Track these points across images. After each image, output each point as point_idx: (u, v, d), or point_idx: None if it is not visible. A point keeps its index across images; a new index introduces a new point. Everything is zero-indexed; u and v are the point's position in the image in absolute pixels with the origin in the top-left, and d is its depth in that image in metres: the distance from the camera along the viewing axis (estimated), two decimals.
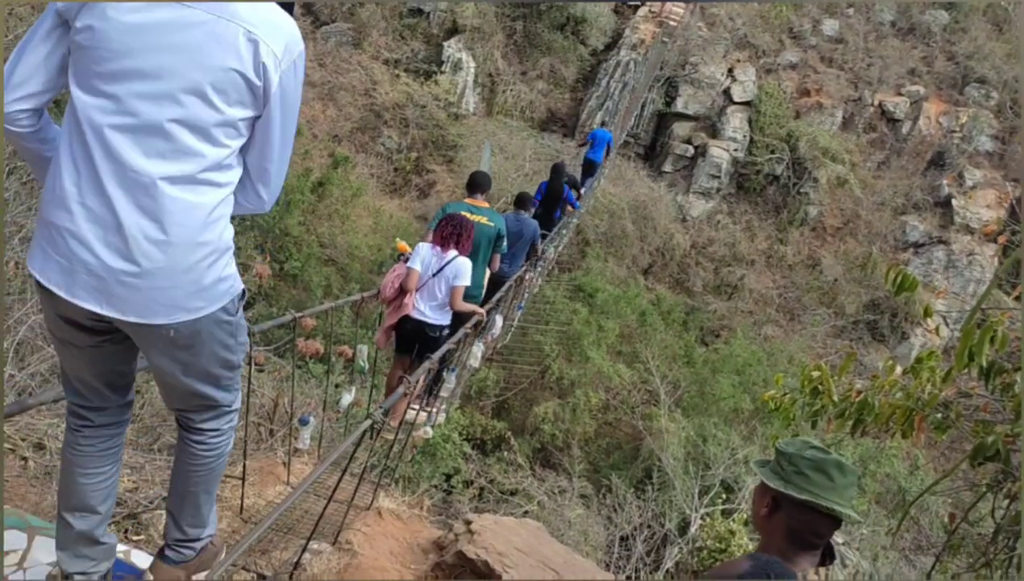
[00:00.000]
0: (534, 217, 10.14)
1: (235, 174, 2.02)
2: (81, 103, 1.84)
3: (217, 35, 1.84)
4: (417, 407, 6.53)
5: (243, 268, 12.01)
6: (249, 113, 1.94)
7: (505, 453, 12.63)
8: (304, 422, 5.79)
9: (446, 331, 6.01)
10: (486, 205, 6.82)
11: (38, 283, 1.93)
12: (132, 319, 1.92)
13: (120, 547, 2.59)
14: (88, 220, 1.85)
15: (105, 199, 1.84)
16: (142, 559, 2.81)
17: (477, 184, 6.85)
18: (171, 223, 1.88)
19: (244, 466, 4.29)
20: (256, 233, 14.84)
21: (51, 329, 2.09)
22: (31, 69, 1.88)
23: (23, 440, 4.40)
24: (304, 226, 15.94)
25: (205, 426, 2.27)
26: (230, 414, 2.33)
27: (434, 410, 7.02)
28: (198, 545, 2.43)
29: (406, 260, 5.87)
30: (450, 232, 5.81)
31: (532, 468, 12.56)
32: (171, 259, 1.90)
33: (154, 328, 1.96)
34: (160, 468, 4.70)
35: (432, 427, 7.15)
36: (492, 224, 6.62)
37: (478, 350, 8.31)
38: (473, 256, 6.34)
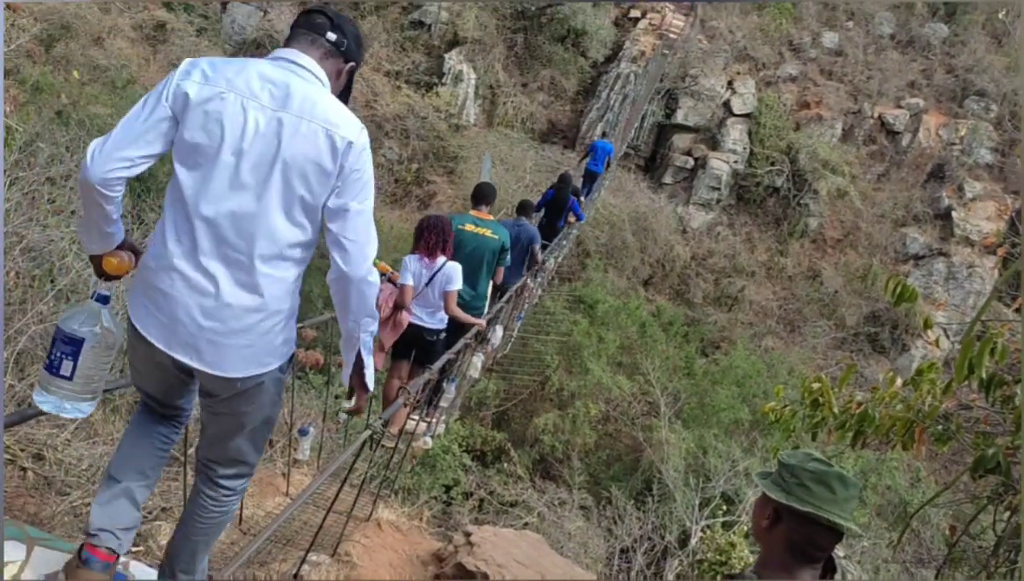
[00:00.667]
0: (538, 226, 10.20)
1: (312, 251, 2.37)
2: (189, 189, 2.19)
3: (303, 134, 2.20)
4: (416, 418, 6.53)
5: None
6: (327, 197, 2.28)
7: (505, 464, 12.61)
8: (304, 433, 5.78)
9: (443, 335, 6.04)
10: (491, 217, 6.84)
11: (136, 332, 2.29)
12: (215, 372, 2.27)
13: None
14: (188, 287, 2.20)
15: (205, 271, 2.20)
16: (140, 570, 2.80)
17: (483, 196, 6.86)
18: (262, 295, 2.25)
19: None
20: None
21: (134, 362, 2.46)
22: (137, 147, 2.16)
23: (22, 451, 4.39)
24: None
25: (224, 483, 2.52)
26: (247, 477, 2.59)
27: (434, 420, 7.02)
28: None
29: (388, 279, 5.85)
30: (435, 240, 5.78)
31: (532, 480, 12.53)
32: (258, 324, 2.27)
33: (228, 379, 2.29)
34: (158, 479, 4.68)
35: (432, 437, 7.15)
36: (496, 237, 6.63)
37: (478, 360, 8.32)
38: (477, 268, 6.43)
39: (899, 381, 3.47)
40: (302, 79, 2.28)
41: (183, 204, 2.18)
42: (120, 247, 2.38)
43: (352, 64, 2.49)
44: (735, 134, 22.04)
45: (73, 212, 7.03)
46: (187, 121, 2.16)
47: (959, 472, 3.22)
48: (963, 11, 25.46)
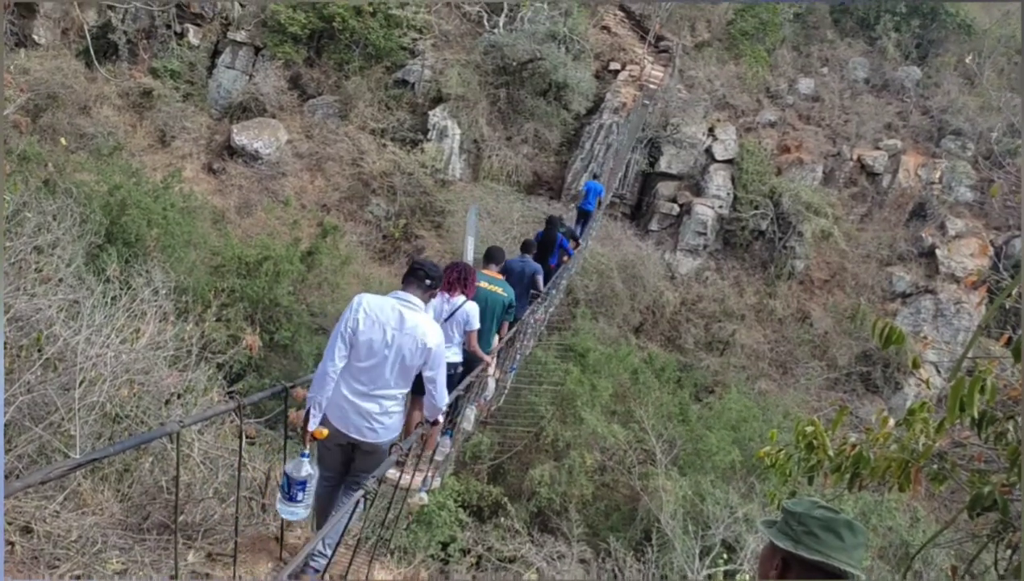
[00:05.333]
0: None
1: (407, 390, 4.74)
2: (356, 367, 4.45)
3: (409, 337, 4.42)
4: (411, 472, 6.47)
5: (233, 340, 11.95)
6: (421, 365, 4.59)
7: (502, 519, 12.43)
8: None
9: (459, 369, 6.57)
10: (501, 277, 7.56)
11: (332, 425, 4.52)
12: (362, 439, 4.54)
13: None
14: (353, 408, 4.49)
15: (361, 405, 4.49)
16: None
17: (493, 257, 7.68)
18: (388, 415, 4.58)
19: (236, 543, 4.21)
20: (246, 304, 14.82)
21: (327, 444, 4.63)
22: (339, 357, 4.38)
23: (9, 524, 4.31)
24: (294, 296, 15.95)
25: (355, 488, 4.62)
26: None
27: (429, 475, 6.96)
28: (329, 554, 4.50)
29: None
30: (456, 277, 6.35)
31: (530, 533, 12.35)
32: (387, 424, 4.57)
33: (366, 442, 4.56)
34: (150, 549, 4.59)
35: (427, 493, 7.08)
36: (505, 294, 7.38)
37: (471, 413, 8.28)
38: (487, 320, 7.07)
39: (892, 421, 3.47)
40: (409, 309, 4.47)
41: (349, 370, 4.45)
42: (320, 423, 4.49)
43: (437, 289, 4.77)
44: (718, 180, 22.32)
45: (61, 280, 7.02)
46: (357, 339, 4.38)
47: (957, 511, 3.21)
48: (934, 54, 26.09)
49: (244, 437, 4.63)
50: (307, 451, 4.24)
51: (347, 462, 4.79)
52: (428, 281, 4.58)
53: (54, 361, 5.63)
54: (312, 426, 4.43)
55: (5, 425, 5.05)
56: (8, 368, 5.32)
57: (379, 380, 4.41)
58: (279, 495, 4.19)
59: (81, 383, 5.49)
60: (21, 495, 4.45)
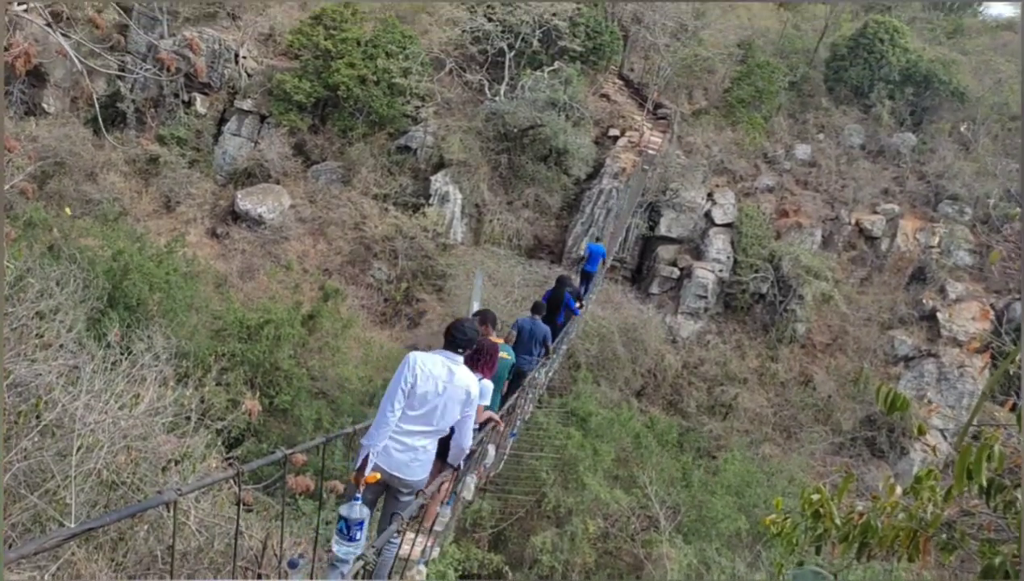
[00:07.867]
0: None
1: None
2: (408, 414, 5.17)
3: (458, 388, 5.26)
4: (411, 541, 6.36)
5: (232, 404, 11.88)
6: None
7: None
8: (293, 565, 5.58)
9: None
10: (501, 340, 7.76)
11: (379, 465, 5.15)
12: (400, 476, 5.22)
13: None
14: (400, 445, 5.19)
15: (407, 441, 5.21)
16: None
17: (490, 320, 7.77)
18: (425, 451, 5.32)
19: None
20: (246, 368, 14.76)
21: (367, 480, 5.05)
22: (398, 407, 5.12)
23: None
24: (294, 359, 15.90)
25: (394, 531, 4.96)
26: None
27: (428, 545, 6.83)
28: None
29: None
30: (475, 357, 6.24)
31: None
32: (423, 460, 5.29)
33: (405, 480, 5.25)
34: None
35: (425, 564, 6.93)
36: (509, 357, 7.78)
37: (471, 481, 8.15)
38: (495, 382, 7.15)
39: (899, 489, 3.42)
40: (455, 363, 5.32)
41: (402, 414, 5.13)
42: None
43: (471, 348, 5.52)
44: (718, 244, 22.47)
45: (62, 345, 7.02)
46: (414, 389, 5.13)
47: None
48: (929, 121, 26.52)
49: (242, 505, 4.57)
50: (359, 495, 4.68)
51: (375, 500, 5.38)
52: (460, 349, 5.45)
53: (52, 427, 5.59)
54: (368, 470, 5.03)
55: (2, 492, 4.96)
56: (6, 434, 5.27)
57: (428, 424, 5.26)
58: (336, 537, 4.56)
59: (78, 449, 5.44)
60: (13, 565, 4.36)
